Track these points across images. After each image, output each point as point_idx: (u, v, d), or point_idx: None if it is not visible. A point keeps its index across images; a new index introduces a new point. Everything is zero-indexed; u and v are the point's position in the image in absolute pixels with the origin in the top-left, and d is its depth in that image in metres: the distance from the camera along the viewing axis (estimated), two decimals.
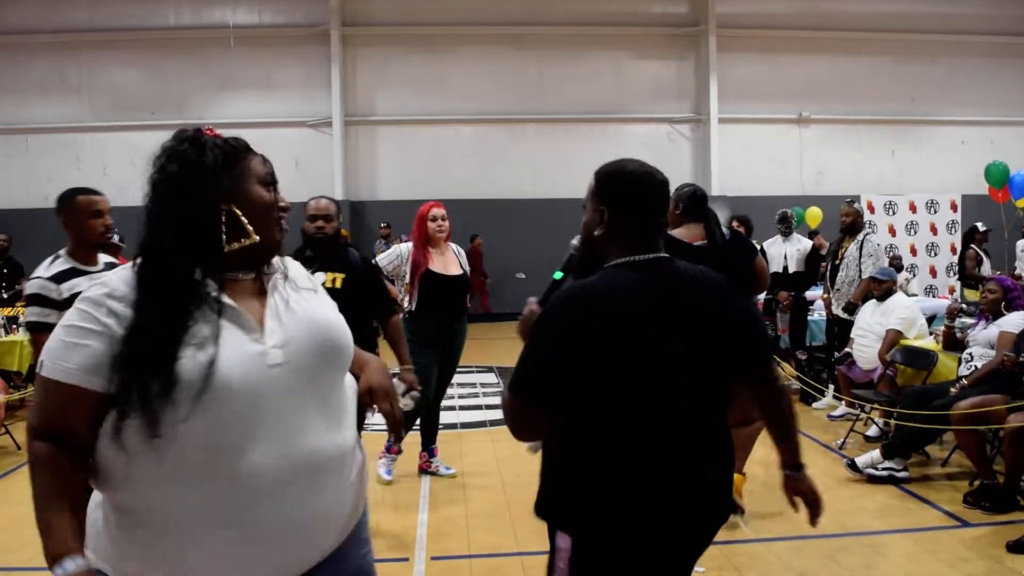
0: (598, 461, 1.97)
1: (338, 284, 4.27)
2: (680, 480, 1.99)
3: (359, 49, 15.80)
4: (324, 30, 15.43)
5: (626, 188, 2.08)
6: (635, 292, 1.99)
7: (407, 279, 5.32)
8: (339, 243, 4.40)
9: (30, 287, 3.27)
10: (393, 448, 5.54)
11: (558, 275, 2.34)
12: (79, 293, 1.75)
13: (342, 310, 3.70)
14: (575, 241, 2.36)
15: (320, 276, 4.26)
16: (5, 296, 9.81)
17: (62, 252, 3.40)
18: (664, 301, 2.00)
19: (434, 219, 5.37)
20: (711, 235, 4.56)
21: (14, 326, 8.14)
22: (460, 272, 5.44)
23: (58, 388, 1.48)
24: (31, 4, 15.20)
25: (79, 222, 3.40)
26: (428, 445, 5.73)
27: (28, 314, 3.23)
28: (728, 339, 2.08)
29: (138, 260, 1.58)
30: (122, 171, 15.03)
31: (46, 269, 3.31)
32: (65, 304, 3.10)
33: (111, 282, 1.54)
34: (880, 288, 6.77)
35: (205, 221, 1.60)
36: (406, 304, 5.28)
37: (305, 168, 15.59)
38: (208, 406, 1.47)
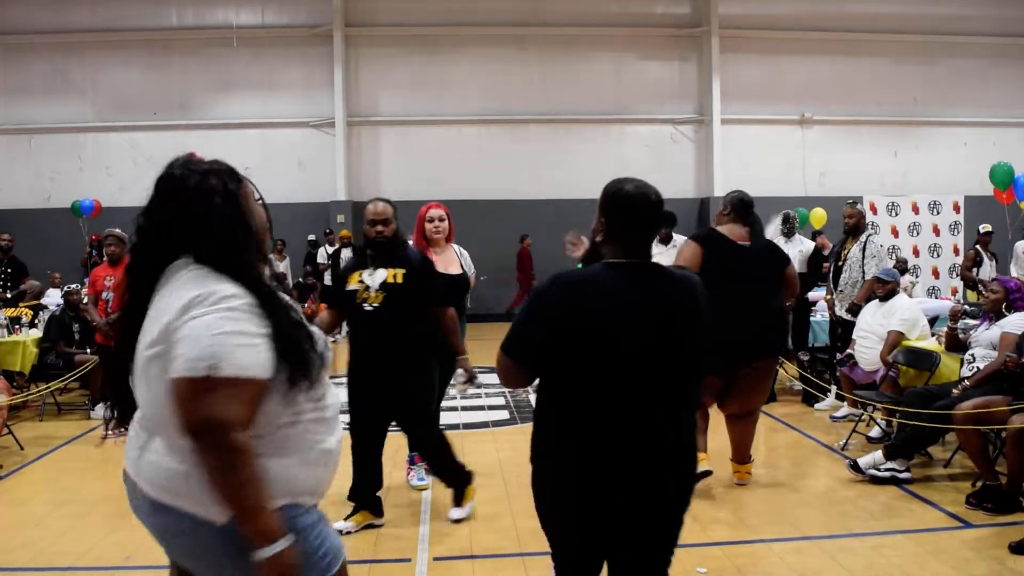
0: (557, 420, 2.43)
1: (399, 279, 4.43)
2: (615, 453, 2.36)
3: (362, 50, 15.82)
4: (327, 31, 15.44)
5: (620, 209, 2.46)
6: (610, 289, 2.38)
7: None
8: (397, 241, 4.55)
9: None
10: (418, 458, 5.49)
11: (580, 266, 2.68)
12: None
13: (403, 302, 4.18)
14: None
15: (382, 273, 4.45)
16: (9, 296, 9.82)
17: None
18: (635, 299, 2.39)
19: (431, 220, 5.35)
20: (755, 239, 5.29)
21: (16, 326, 8.14)
22: (460, 271, 5.41)
23: (250, 385, 1.77)
24: (34, 5, 15.23)
25: None
26: None
27: None
28: (683, 343, 2.44)
29: (222, 267, 1.88)
30: (125, 171, 15.07)
31: None
32: None
33: (239, 292, 1.84)
34: (884, 289, 6.76)
35: (258, 232, 2.00)
36: None
37: (308, 168, 15.62)
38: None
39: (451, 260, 5.42)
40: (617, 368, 2.35)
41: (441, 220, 5.37)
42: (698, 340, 2.45)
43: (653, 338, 2.37)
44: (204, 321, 1.76)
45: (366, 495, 4.69)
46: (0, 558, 4.33)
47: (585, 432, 2.37)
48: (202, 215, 1.90)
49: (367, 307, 4.41)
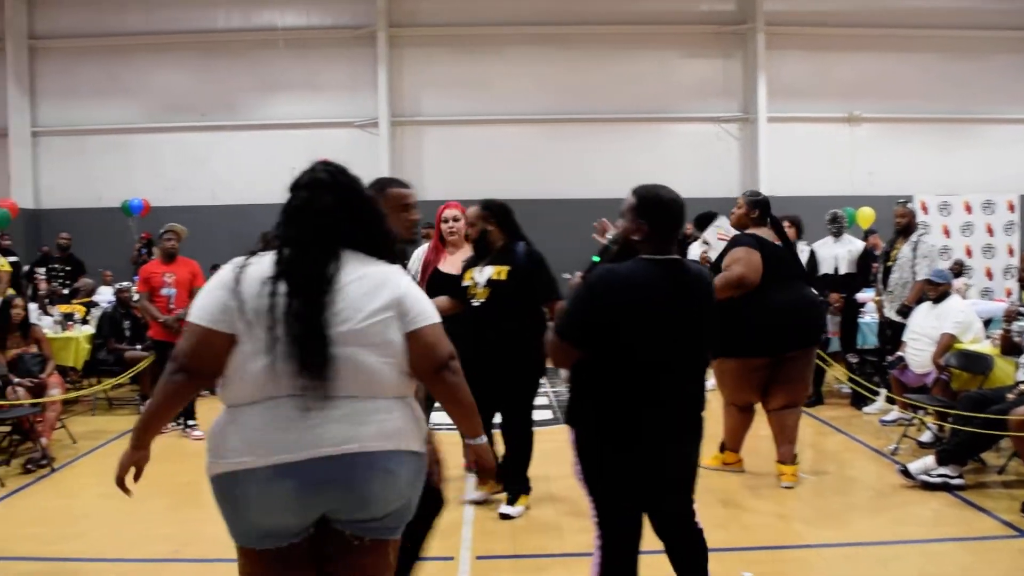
0: (604, 390, 2.88)
1: (503, 276, 4.75)
2: (653, 412, 2.88)
3: (405, 50, 15.88)
4: (371, 31, 15.54)
5: (661, 211, 2.94)
6: (650, 280, 2.87)
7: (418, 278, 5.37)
8: (488, 240, 4.88)
9: None
10: None
11: (596, 259, 3.18)
12: None
13: (507, 298, 4.71)
14: (610, 235, 3.23)
15: (489, 270, 4.80)
16: (66, 292, 10.08)
17: None
18: (670, 289, 2.89)
19: (446, 220, 5.35)
20: (785, 238, 5.58)
21: (69, 323, 8.32)
22: None
23: None
24: (85, 9, 15.54)
25: (391, 215, 3.01)
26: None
27: None
28: (704, 327, 2.98)
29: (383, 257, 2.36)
30: (173, 171, 15.31)
31: None
32: None
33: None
34: (936, 291, 6.61)
35: None
36: None
37: (352, 168, 15.67)
38: None
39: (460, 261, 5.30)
40: (660, 349, 2.86)
41: (456, 220, 5.35)
42: (713, 324, 3.01)
43: (687, 323, 2.91)
44: (416, 288, 2.36)
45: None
46: (52, 549, 4.43)
47: (633, 406, 2.85)
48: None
49: (474, 302, 4.76)
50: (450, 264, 5.29)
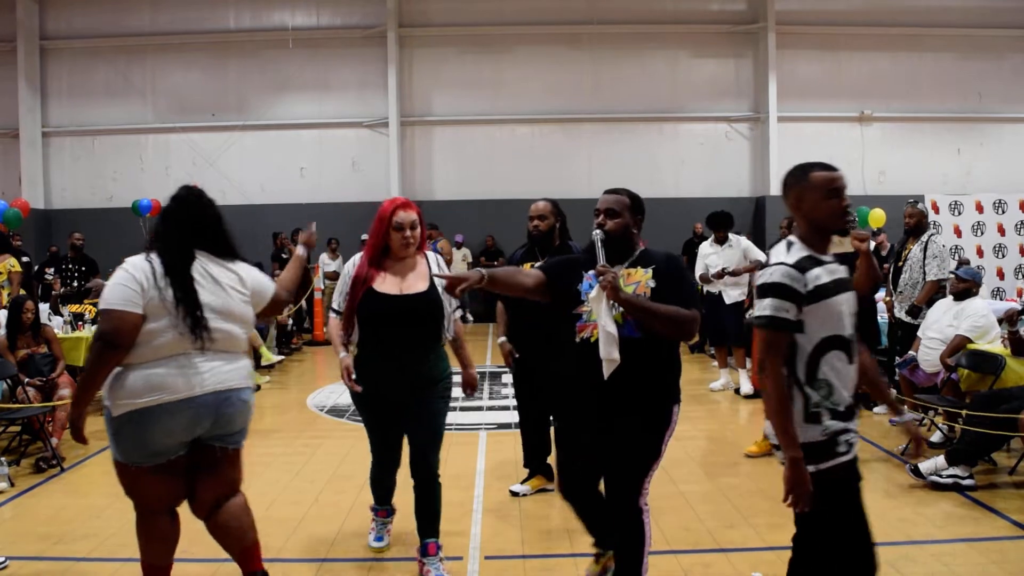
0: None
1: None
2: None
3: (415, 50, 15.91)
4: (381, 31, 15.57)
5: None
6: None
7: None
8: (552, 235, 4.98)
9: (773, 274, 2.66)
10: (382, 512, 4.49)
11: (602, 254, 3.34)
12: (821, 286, 2.63)
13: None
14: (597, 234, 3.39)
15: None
16: (79, 289, 10.14)
17: (794, 238, 2.80)
18: None
19: (400, 227, 3.86)
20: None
21: (79, 323, 8.35)
22: (421, 290, 3.92)
23: None
24: (96, 10, 15.64)
25: (814, 202, 2.76)
26: (428, 535, 4.08)
27: (766, 307, 2.64)
28: None
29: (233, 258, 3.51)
30: (184, 171, 15.37)
31: (785, 255, 2.73)
32: (807, 299, 2.64)
33: None
34: (959, 287, 6.50)
35: None
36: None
37: (362, 168, 15.76)
38: None
39: (416, 276, 3.97)
40: None
41: (414, 228, 3.90)
42: None
43: None
44: (262, 279, 3.59)
45: (540, 460, 5.28)
46: (63, 548, 4.45)
47: None
48: (223, 228, 3.50)
49: None
50: (391, 283, 3.91)
